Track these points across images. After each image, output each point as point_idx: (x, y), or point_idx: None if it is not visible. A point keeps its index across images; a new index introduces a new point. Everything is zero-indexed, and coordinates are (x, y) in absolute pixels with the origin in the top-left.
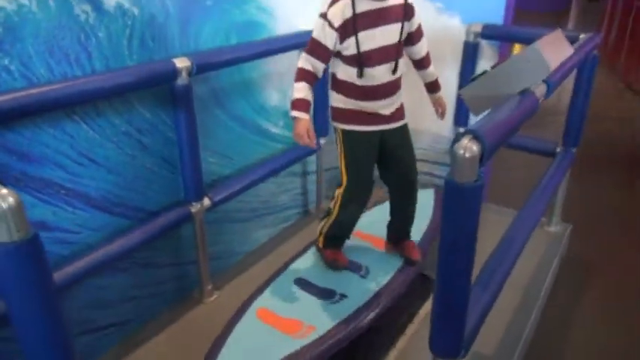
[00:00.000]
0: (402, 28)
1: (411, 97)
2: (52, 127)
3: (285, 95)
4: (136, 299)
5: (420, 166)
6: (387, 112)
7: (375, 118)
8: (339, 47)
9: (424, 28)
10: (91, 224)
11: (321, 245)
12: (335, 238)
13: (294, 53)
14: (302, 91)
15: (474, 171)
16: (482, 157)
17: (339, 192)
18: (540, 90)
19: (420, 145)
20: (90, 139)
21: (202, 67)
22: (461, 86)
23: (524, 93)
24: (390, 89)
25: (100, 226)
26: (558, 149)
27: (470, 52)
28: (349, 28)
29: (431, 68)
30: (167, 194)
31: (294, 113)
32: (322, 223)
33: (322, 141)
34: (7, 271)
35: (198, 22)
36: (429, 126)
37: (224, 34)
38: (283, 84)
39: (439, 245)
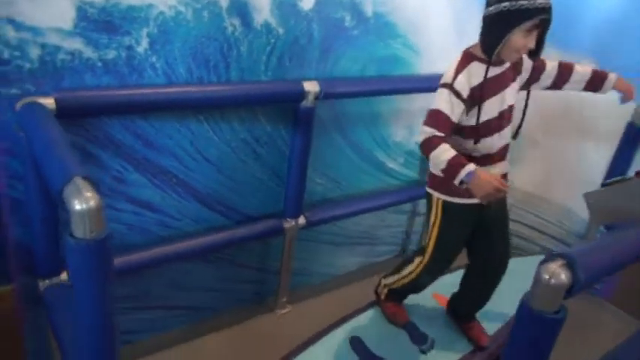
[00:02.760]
0: (515, 87)
1: (544, 163)
2: (178, 122)
3: (411, 133)
4: (214, 291)
5: (541, 239)
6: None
7: None
8: (462, 119)
9: None
10: (192, 215)
11: (382, 297)
12: (401, 296)
13: (430, 95)
14: (447, 150)
15: (557, 302)
16: (572, 289)
17: (418, 262)
18: None
19: (547, 217)
20: (209, 139)
21: (331, 94)
22: (610, 174)
23: None
24: (502, 155)
25: (200, 218)
26: None
27: (631, 139)
28: (475, 97)
29: (577, 67)
30: (268, 204)
31: (464, 172)
32: (390, 278)
33: None
34: (76, 262)
35: (340, 49)
36: (562, 198)
37: (362, 64)
38: (413, 123)
39: None
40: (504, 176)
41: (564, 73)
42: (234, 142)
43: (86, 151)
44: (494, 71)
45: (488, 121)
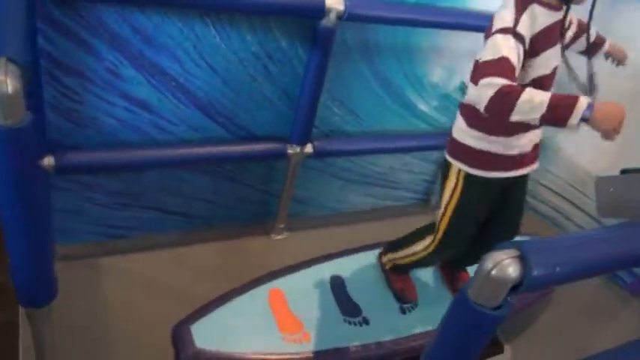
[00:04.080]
0: (562, 43)
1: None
2: (180, 22)
3: (451, 75)
4: (211, 203)
5: (578, 217)
6: (529, 148)
7: (512, 161)
8: None
9: None
10: (192, 122)
11: (388, 268)
12: (407, 269)
13: (479, 35)
14: (537, 92)
15: (497, 297)
16: (520, 286)
17: (430, 241)
18: None
19: (589, 194)
20: (215, 45)
21: (357, 16)
22: None
23: None
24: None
25: (200, 127)
26: None
27: None
28: (535, 46)
29: (593, 30)
30: (275, 126)
31: (580, 104)
32: (398, 252)
33: None
34: None
35: None
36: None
37: None
38: (455, 64)
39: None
40: (536, 147)
41: (580, 33)
42: (244, 54)
43: (79, 38)
44: (555, 17)
45: (542, 79)
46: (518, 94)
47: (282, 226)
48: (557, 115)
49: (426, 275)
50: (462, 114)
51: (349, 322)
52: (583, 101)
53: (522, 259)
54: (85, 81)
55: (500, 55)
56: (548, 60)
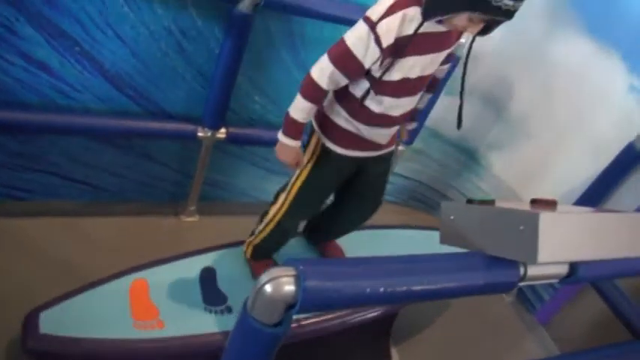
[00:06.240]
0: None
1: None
2: None
3: None
4: (121, 177)
5: None
6: (385, 140)
7: (368, 144)
8: (373, 67)
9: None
10: (97, 92)
11: (249, 256)
12: (267, 251)
13: None
14: (304, 111)
15: (275, 315)
16: (294, 306)
17: (283, 199)
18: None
19: (484, 187)
20: (123, 14)
21: (275, 5)
22: (591, 191)
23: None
24: (403, 118)
25: (107, 97)
26: None
27: (626, 160)
28: (399, 49)
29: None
30: (191, 105)
31: (285, 139)
32: (256, 230)
33: (400, 147)
34: None
35: None
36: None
37: None
38: None
39: None
40: (393, 136)
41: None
42: (155, 27)
43: None
44: (437, 28)
45: (404, 81)
46: (306, 93)
47: (192, 208)
48: (285, 122)
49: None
50: (335, 93)
51: (210, 311)
52: (287, 140)
53: (298, 279)
54: None
55: (346, 41)
56: (414, 66)
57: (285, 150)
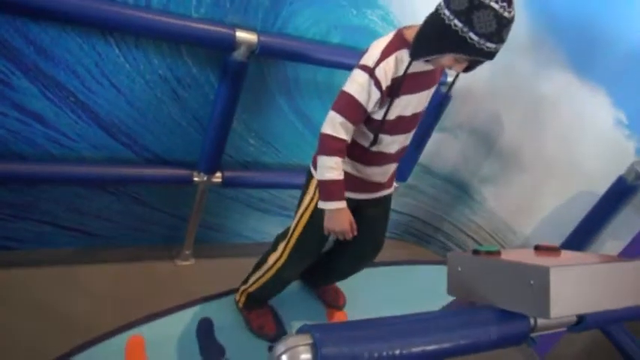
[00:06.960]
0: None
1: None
2: (80, 38)
3: None
4: (113, 222)
5: (471, 245)
6: (384, 179)
7: (367, 185)
8: (372, 109)
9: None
10: (92, 140)
11: (241, 305)
12: (262, 299)
13: None
14: (337, 169)
15: None
16: None
17: (283, 247)
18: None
19: (477, 221)
20: (119, 65)
21: (269, 51)
22: (584, 225)
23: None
24: (399, 155)
25: (102, 145)
26: None
27: (617, 192)
28: (393, 89)
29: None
30: (186, 151)
31: (333, 205)
32: (252, 277)
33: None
34: None
35: (298, 3)
36: (528, 234)
37: (325, 28)
38: None
39: None
40: (392, 176)
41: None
42: (150, 77)
43: None
44: (423, 67)
45: (398, 119)
46: (330, 152)
47: (188, 252)
48: (323, 189)
49: (297, 302)
50: None
51: None
52: (336, 204)
53: (314, 347)
54: None
55: (350, 92)
56: (408, 104)
57: (337, 217)
